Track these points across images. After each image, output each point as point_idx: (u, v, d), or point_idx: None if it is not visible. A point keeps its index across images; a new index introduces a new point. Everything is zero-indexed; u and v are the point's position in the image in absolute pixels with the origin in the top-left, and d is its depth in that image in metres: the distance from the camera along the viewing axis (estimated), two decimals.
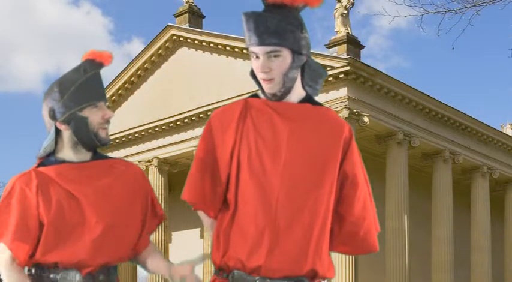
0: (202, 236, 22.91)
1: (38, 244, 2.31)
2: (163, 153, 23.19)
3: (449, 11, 9.02)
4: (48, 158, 2.42)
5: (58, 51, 78.53)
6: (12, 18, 73.61)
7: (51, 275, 2.31)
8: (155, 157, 23.19)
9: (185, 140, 22.47)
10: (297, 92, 2.23)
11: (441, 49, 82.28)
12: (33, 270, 2.34)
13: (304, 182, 2.13)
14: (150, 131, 23.30)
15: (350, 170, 2.20)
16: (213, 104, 21.30)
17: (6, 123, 69.85)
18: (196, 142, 21.71)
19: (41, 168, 2.38)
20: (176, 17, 23.87)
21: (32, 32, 77.50)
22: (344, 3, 20.05)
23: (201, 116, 21.94)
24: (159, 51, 23.82)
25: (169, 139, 23.15)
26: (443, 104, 21.69)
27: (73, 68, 2.41)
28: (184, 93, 22.74)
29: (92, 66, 2.40)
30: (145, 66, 24.11)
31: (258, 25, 2.12)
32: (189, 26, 23.23)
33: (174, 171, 23.10)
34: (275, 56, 2.13)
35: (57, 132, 2.39)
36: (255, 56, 2.16)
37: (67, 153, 2.40)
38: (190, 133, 22.38)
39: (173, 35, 23.41)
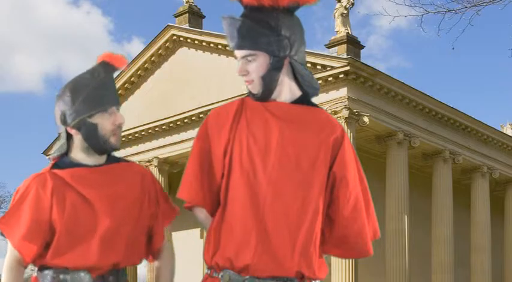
0: (202, 236, 22.92)
1: (47, 246, 2.30)
2: (163, 153, 23.19)
3: (449, 11, 9.01)
4: (63, 160, 2.40)
5: (58, 51, 78.57)
6: (12, 18, 73.61)
7: (61, 276, 2.30)
8: (155, 157, 23.20)
9: (185, 140, 22.45)
10: (290, 92, 2.23)
11: (441, 49, 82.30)
12: (43, 271, 2.33)
13: (291, 183, 2.12)
14: (150, 131, 23.29)
15: (340, 171, 2.18)
16: (213, 104, 21.28)
17: (6, 123, 69.86)
18: None
19: (56, 171, 2.36)
20: (176, 17, 23.87)
21: (32, 32, 77.50)
22: (344, 3, 20.05)
23: (201, 116, 21.92)
24: (159, 51, 23.81)
25: (169, 139, 23.14)
26: (443, 104, 21.69)
27: (87, 69, 2.39)
28: (184, 93, 22.74)
29: (106, 69, 2.38)
30: (146, 66, 24.10)
31: (233, 30, 2.17)
32: (189, 26, 23.23)
33: (174, 171, 23.10)
34: (251, 60, 2.17)
35: (68, 136, 2.39)
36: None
37: (80, 155, 2.39)
38: (190, 133, 22.35)
39: (173, 35, 23.41)
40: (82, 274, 2.29)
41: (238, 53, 2.19)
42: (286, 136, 2.15)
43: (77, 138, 2.37)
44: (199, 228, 23.18)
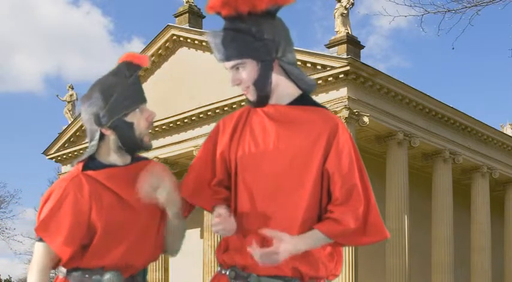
0: (202, 236, 22.91)
1: (83, 248, 2.31)
2: (163, 153, 23.18)
3: (449, 11, 9.02)
4: (93, 161, 2.40)
5: (58, 51, 78.57)
6: (12, 18, 73.66)
7: (93, 277, 2.31)
8: (155, 157, 23.16)
9: (185, 140, 22.46)
10: (286, 94, 2.26)
11: (441, 49, 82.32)
12: (72, 272, 2.34)
13: (286, 184, 2.17)
14: (150, 131, 23.25)
15: (331, 167, 2.17)
16: (213, 104, 21.31)
17: (6, 123, 69.89)
18: (196, 142, 21.55)
19: (89, 172, 2.37)
20: (176, 17, 23.87)
21: (32, 32, 77.54)
22: (344, 3, 20.05)
23: (201, 116, 21.94)
24: (159, 51, 23.81)
25: (169, 139, 23.14)
26: (443, 104, 21.69)
27: (110, 71, 2.41)
28: (184, 93, 22.74)
29: (131, 69, 2.40)
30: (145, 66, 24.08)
31: (217, 43, 2.22)
32: (189, 26, 23.23)
33: (174, 171, 22.97)
34: (241, 68, 2.21)
35: (101, 137, 2.39)
36: None
37: (112, 157, 2.41)
38: (190, 133, 22.36)
39: (173, 35, 23.41)
40: (115, 274, 2.31)
41: (227, 64, 2.24)
42: (282, 139, 2.20)
43: (111, 139, 2.39)
44: (199, 228, 23.18)
